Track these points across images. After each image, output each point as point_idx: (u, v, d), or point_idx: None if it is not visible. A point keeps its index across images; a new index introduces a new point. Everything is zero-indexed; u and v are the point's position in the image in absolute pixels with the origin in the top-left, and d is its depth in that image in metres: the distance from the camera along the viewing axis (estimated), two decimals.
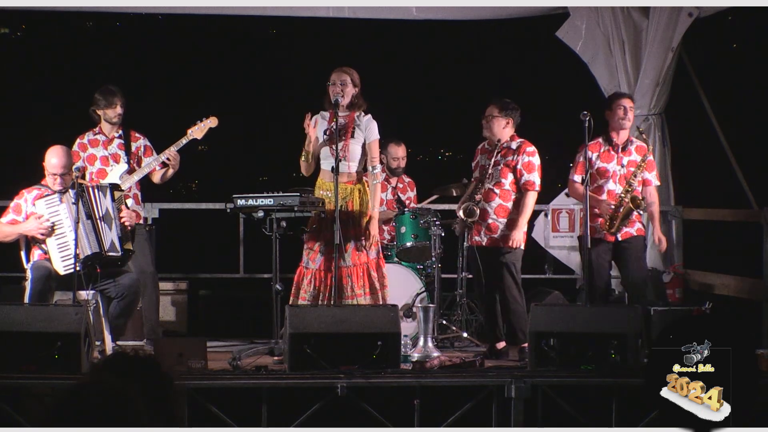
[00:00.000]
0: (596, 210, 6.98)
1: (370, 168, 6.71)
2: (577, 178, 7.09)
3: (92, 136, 7.28)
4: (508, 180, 6.94)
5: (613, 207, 6.93)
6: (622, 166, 7.01)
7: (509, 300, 6.90)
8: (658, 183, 7.22)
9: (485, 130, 7.04)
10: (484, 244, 6.95)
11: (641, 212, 6.98)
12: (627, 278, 7.14)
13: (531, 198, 6.95)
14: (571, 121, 6.89)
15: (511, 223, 6.90)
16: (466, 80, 14.80)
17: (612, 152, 7.04)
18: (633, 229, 7.02)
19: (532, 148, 6.96)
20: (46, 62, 15.39)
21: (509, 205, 6.94)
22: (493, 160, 6.96)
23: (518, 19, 9.04)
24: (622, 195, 6.93)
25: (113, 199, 6.59)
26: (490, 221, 6.92)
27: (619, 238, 6.99)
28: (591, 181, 6.97)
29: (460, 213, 6.94)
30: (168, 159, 7.08)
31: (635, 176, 6.95)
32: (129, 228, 6.66)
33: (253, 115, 15.70)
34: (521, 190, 6.94)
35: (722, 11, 8.69)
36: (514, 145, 6.98)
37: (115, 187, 6.72)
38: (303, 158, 6.72)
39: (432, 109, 15.74)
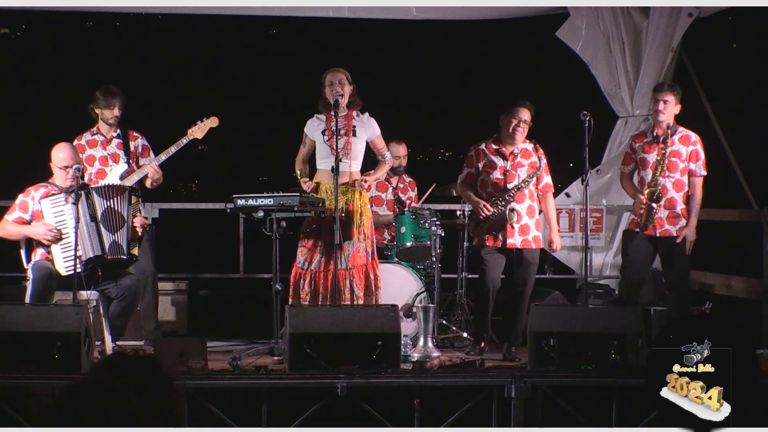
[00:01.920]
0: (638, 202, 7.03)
1: (380, 158, 6.88)
2: (624, 168, 7.15)
3: (90, 136, 7.24)
4: (532, 180, 7.00)
5: (642, 203, 6.90)
6: (663, 157, 6.91)
7: (526, 301, 6.96)
8: (704, 173, 7.00)
9: (518, 134, 6.97)
10: (518, 245, 6.97)
11: (653, 205, 6.86)
12: (666, 278, 7.14)
13: (552, 201, 7.19)
14: (571, 121, 6.90)
15: (537, 224, 7.04)
16: (466, 80, 14.81)
17: (654, 143, 6.99)
18: (674, 228, 6.92)
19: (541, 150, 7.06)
20: (46, 62, 15.39)
21: (535, 205, 7.04)
22: (515, 161, 6.99)
23: (518, 19, 9.03)
24: (646, 189, 6.91)
25: (130, 203, 6.59)
26: (523, 222, 6.97)
27: (658, 235, 6.92)
28: (636, 173, 7.07)
29: (506, 213, 6.89)
30: (150, 174, 7.05)
31: (657, 170, 6.87)
32: (140, 234, 6.66)
33: (253, 115, 15.69)
34: (540, 191, 7.07)
35: (722, 11, 8.69)
36: (529, 147, 7.04)
37: (133, 191, 6.73)
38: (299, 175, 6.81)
39: (432, 109, 15.74)
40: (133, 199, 6.66)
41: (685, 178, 6.95)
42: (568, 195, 8.74)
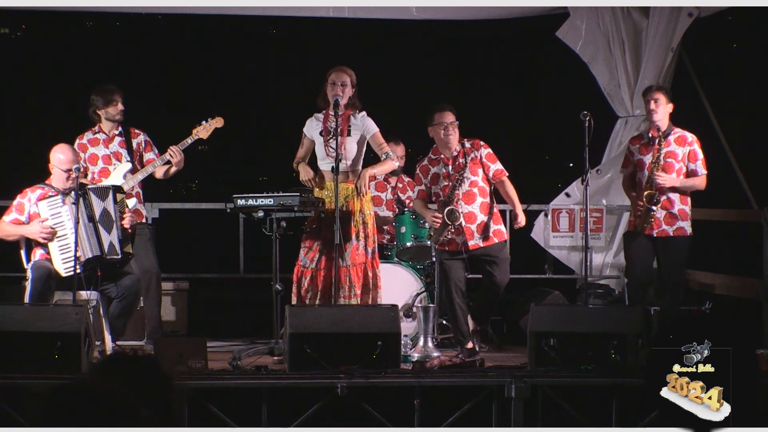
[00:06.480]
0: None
1: (383, 156, 6.74)
2: (624, 171, 7.22)
3: (92, 135, 7.27)
4: (479, 176, 6.88)
5: (641, 204, 6.96)
6: (658, 159, 6.93)
7: (499, 298, 6.95)
8: (705, 171, 7.04)
9: (450, 137, 6.87)
10: (481, 245, 6.88)
11: (652, 208, 6.90)
12: (661, 278, 7.14)
13: (510, 184, 6.96)
14: (571, 121, 6.90)
15: (496, 218, 6.92)
16: (465, 80, 14.80)
17: (649, 145, 7.03)
18: (672, 228, 6.94)
19: (482, 141, 6.98)
20: (46, 62, 15.38)
21: (488, 200, 6.91)
22: (456, 163, 6.90)
23: (518, 19, 9.03)
24: (645, 191, 6.93)
25: (115, 201, 6.57)
26: (479, 221, 6.87)
27: (654, 235, 6.95)
28: (635, 175, 7.10)
29: (445, 217, 6.80)
30: (171, 157, 7.06)
31: (653, 171, 6.90)
32: (129, 231, 6.65)
33: (253, 115, 15.69)
34: (491, 181, 6.93)
35: (722, 11, 8.69)
36: (467, 144, 6.93)
37: (117, 189, 6.71)
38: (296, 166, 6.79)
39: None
40: (118, 197, 6.62)
41: (682, 180, 6.97)
42: (568, 195, 8.73)
